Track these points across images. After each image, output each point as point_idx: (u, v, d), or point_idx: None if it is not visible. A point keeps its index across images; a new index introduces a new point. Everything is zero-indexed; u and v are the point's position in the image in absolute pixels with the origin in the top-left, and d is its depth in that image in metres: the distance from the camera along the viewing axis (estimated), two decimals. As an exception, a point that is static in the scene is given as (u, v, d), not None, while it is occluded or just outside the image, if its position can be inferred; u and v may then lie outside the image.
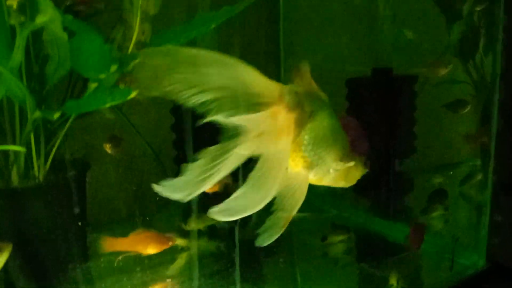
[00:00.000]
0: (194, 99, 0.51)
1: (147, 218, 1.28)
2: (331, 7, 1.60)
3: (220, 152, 0.53)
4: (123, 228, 1.30)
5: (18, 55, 0.84)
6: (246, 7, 1.00)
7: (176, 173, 1.46)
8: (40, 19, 0.79)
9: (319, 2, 1.61)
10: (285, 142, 0.56)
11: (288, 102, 0.55)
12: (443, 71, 1.37)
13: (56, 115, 0.88)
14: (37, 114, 0.89)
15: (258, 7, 1.06)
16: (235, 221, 1.16)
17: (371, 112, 1.40)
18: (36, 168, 1.02)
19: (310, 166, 0.59)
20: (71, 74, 1.07)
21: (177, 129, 1.42)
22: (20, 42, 0.83)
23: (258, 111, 0.53)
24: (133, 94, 0.76)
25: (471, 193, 1.41)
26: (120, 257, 1.04)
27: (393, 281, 1.07)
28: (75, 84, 1.14)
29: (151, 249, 1.02)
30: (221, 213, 0.55)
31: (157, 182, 1.56)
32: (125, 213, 1.36)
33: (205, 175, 0.53)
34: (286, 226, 0.57)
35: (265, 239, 0.57)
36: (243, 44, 1.52)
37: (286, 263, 1.13)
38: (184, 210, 1.36)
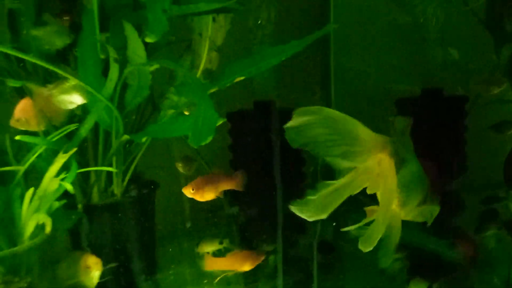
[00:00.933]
0: (326, 150, 0.66)
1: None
2: (381, 29, 1.65)
3: (338, 187, 0.68)
4: (184, 241, 1.38)
5: (111, 86, 0.93)
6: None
7: (233, 191, 1.52)
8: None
9: (368, 25, 1.67)
10: (391, 183, 0.68)
11: (390, 151, 0.68)
12: (496, 90, 1.39)
13: (144, 139, 0.96)
14: (125, 137, 0.98)
15: (311, 32, 1.13)
16: (314, 236, 1.22)
17: (422, 132, 1.43)
18: (115, 186, 1.12)
19: (402, 205, 0.70)
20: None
21: (234, 149, 1.50)
22: (113, 75, 0.93)
23: (368, 157, 0.68)
24: (219, 122, 0.83)
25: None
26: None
27: None
28: (145, 108, 1.24)
29: (247, 267, 1.09)
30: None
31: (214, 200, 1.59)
32: (186, 229, 1.44)
33: (326, 203, 0.68)
34: (394, 250, 0.74)
35: (384, 262, 0.74)
36: (295, 65, 1.59)
37: (345, 279, 1.17)
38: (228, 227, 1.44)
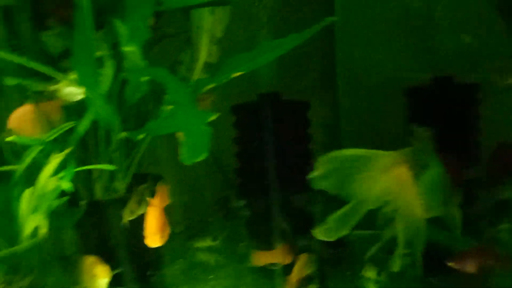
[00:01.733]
0: (351, 188, 0.74)
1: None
2: (389, 14, 1.60)
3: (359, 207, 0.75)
4: (193, 235, 1.38)
5: (106, 83, 0.93)
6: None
7: (240, 184, 1.50)
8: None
9: (375, 10, 1.62)
10: (411, 193, 0.73)
11: (408, 163, 0.74)
12: (510, 79, 1.33)
13: (140, 137, 0.95)
14: (123, 135, 0.98)
15: (316, 19, 1.10)
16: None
17: (434, 122, 1.39)
18: (117, 182, 1.12)
19: (427, 210, 0.75)
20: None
21: (239, 142, 1.48)
22: (108, 71, 0.92)
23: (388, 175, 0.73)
24: (213, 117, 0.81)
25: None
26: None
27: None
28: (147, 104, 1.23)
29: (288, 260, 1.13)
30: None
31: (218, 192, 1.61)
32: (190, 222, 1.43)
33: (347, 221, 0.74)
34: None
35: (417, 270, 0.85)
36: (299, 56, 1.56)
37: (353, 275, 1.15)
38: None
